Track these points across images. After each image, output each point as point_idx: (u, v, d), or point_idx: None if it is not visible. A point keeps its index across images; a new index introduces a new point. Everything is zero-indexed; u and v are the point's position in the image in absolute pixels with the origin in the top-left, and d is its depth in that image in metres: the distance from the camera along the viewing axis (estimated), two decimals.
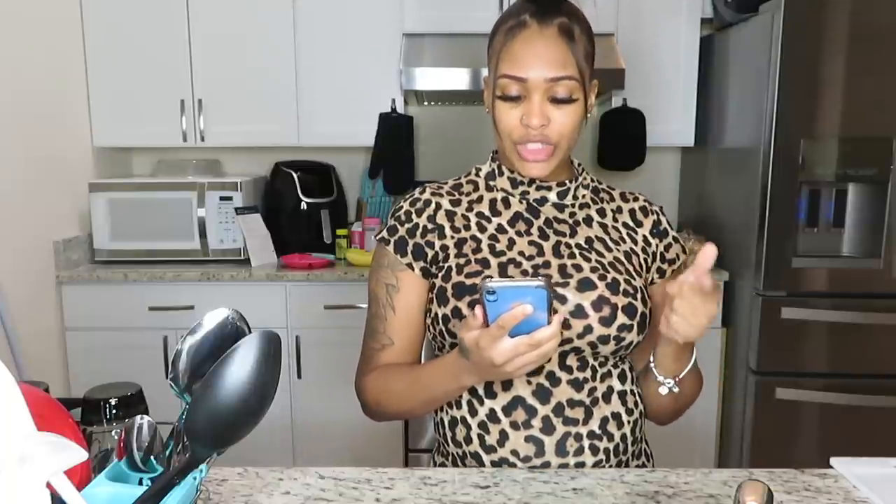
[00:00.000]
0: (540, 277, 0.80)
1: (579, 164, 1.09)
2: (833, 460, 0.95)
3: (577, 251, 1.00)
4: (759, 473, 0.93)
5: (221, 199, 2.52)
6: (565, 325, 0.93)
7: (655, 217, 1.08)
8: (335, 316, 2.44)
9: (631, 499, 0.87)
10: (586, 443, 0.96)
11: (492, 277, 0.97)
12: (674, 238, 1.08)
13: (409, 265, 1.02)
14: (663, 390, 0.97)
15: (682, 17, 2.60)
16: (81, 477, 0.66)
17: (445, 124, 2.98)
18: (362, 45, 2.59)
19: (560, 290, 0.96)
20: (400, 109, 2.62)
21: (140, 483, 0.68)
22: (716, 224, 2.59)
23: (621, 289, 0.97)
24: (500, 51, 0.96)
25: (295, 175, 2.69)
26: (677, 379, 0.96)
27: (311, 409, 2.50)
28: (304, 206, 2.69)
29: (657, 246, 1.07)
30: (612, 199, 1.08)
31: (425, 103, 2.95)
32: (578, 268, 0.98)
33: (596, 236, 1.03)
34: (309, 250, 2.66)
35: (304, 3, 2.56)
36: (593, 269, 0.98)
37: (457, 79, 2.45)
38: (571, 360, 0.97)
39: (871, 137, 2.11)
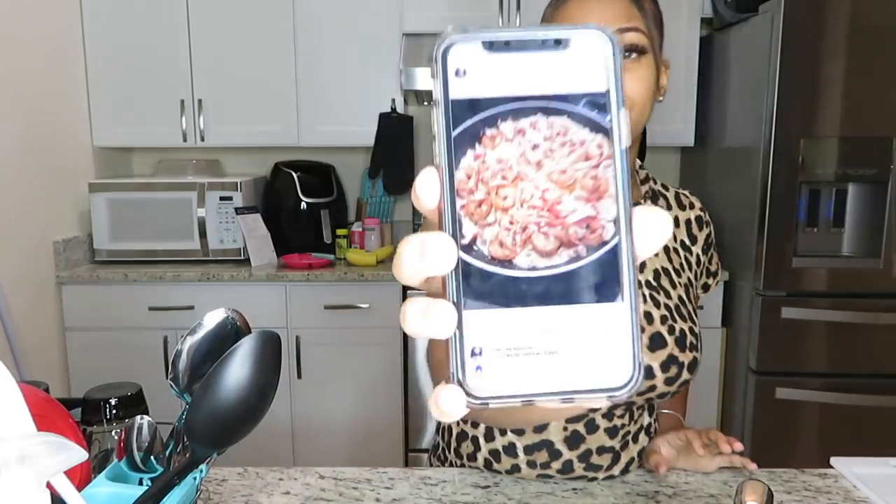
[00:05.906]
0: None
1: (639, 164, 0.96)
2: (833, 460, 0.95)
3: (646, 291, 0.87)
4: (759, 473, 0.93)
5: (221, 199, 2.52)
6: None
7: (709, 230, 0.99)
8: (335, 316, 2.44)
9: (631, 499, 0.87)
10: (601, 475, 0.93)
11: None
12: (715, 247, 1.01)
13: None
14: None
15: (682, 17, 2.60)
16: (81, 477, 0.66)
17: None
18: (362, 45, 2.59)
19: None
20: (400, 109, 2.62)
21: (140, 483, 0.68)
22: (716, 224, 2.56)
23: (688, 342, 0.88)
24: (551, 17, 0.82)
25: (295, 175, 2.69)
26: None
27: (311, 409, 2.50)
28: (304, 206, 2.69)
29: (706, 262, 0.99)
30: (669, 207, 0.95)
31: (425, 103, 2.95)
32: (649, 318, 0.86)
33: (662, 267, 0.91)
34: (309, 250, 2.66)
35: (303, 3, 2.56)
36: (663, 320, 0.86)
37: None
38: (617, 408, 0.90)
39: (871, 137, 2.11)
